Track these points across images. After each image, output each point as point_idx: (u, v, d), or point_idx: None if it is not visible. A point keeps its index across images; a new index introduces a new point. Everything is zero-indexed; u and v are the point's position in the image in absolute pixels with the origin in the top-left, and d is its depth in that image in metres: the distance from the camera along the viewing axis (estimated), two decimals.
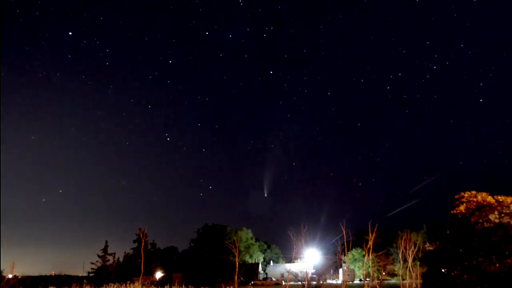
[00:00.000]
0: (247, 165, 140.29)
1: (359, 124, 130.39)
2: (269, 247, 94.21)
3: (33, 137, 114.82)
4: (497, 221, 26.49)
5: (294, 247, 37.31)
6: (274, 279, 66.96)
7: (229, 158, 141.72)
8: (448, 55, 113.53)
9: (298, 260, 76.70)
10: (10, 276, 48.01)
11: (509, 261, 24.79)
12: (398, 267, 56.54)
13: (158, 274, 64.06)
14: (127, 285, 34.73)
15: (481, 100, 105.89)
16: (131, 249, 70.87)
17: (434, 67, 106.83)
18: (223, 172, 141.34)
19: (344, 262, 62.92)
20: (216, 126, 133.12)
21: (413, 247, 37.42)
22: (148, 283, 46.23)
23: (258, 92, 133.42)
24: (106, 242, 68.76)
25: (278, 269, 76.53)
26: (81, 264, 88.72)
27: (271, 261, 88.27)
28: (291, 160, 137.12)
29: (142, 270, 37.17)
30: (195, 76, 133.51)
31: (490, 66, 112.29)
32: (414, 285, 37.46)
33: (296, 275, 55.49)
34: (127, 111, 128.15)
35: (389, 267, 70.49)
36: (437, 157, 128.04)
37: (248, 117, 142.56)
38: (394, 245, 62.19)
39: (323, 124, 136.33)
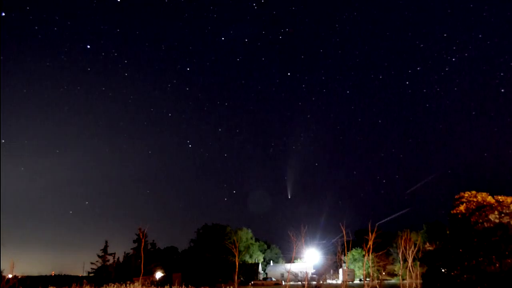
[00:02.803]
0: (268, 168, 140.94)
1: (380, 121, 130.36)
2: (269, 247, 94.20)
3: (57, 151, 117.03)
4: (497, 221, 26.48)
5: (294, 247, 37.26)
6: (274, 279, 66.95)
7: (249, 162, 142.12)
8: (466, 46, 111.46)
9: (298, 260, 76.68)
10: (10, 276, 47.97)
11: (509, 261, 24.79)
12: (398, 267, 56.53)
13: (158, 274, 64.08)
14: (127, 285, 34.75)
15: (502, 90, 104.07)
16: (131, 249, 70.98)
17: (453, 60, 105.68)
18: (243, 176, 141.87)
19: (344, 262, 62.90)
20: (237, 130, 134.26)
21: (413, 247, 37.37)
22: (148, 283, 46.21)
23: (277, 94, 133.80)
24: (106, 242, 68.89)
25: (278, 269, 76.51)
26: (81, 264, 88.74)
27: (271, 261, 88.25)
28: (313, 160, 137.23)
29: (142, 270, 37.12)
30: (213, 82, 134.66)
31: (510, 55, 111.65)
32: (414, 285, 37.44)
33: (296, 275, 55.47)
34: (148, 120, 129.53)
35: (389, 267, 70.46)
36: (457, 151, 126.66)
37: (268, 119, 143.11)
38: (394, 245, 62.18)
39: (343, 123, 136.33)
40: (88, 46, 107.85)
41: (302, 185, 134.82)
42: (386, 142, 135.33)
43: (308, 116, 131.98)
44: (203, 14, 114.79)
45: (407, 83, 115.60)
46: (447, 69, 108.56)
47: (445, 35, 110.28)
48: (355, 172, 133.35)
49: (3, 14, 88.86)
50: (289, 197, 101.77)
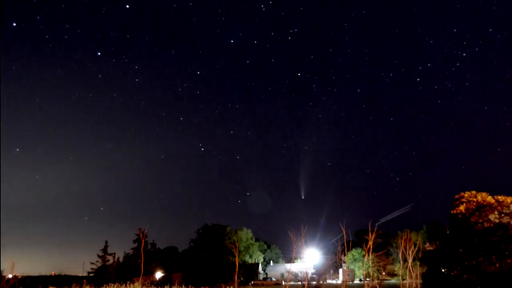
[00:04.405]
0: (281, 169, 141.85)
1: (391, 119, 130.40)
2: (269, 247, 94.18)
3: (71, 158, 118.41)
4: (497, 221, 26.45)
5: (294, 247, 37.26)
6: (274, 279, 66.95)
7: (262, 163, 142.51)
8: (476, 41, 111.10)
9: (298, 260, 76.67)
10: (10, 276, 48.00)
11: (509, 261, 24.78)
12: (398, 267, 56.51)
13: (158, 274, 64.11)
14: (127, 285, 34.71)
15: None
16: (131, 249, 70.99)
17: (464, 55, 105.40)
18: (257, 178, 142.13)
19: (344, 262, 62.90)
20: (249, 133, 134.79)
21: (413, 247, 37.39)
22: (148, 283, 46.22)
23: (288, 95, 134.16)
24: (106, 242, 68.85)
25: (278, 269, 76.50)
26: (81, 264, 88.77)
27: (271, 261, 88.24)
28: (325, 160, 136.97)
29: (142, 270, 37.10)
30: (224, 85, 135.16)
31: None
32: (414, 285, 37.44)
33: (296, 275, 55.46)
34: (160, 124, 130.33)
35: (389, 267, 70.48)
36: (472, 147, 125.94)
37: (280, 120, 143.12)
38: (394, 245, 62.19)
39: (355, 122, 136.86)
40: (99, 53, 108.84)
41: (315, 186, 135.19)
42: (398, 140, 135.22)
43: (320, 116, 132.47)
44: (212, 17, 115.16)
45: (418, 80, 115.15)
46: (457, 64, 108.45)
47: (454, 30, 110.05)
48: (368, 171, 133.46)
49: (14, 24, 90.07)
50: (303, 197, 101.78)
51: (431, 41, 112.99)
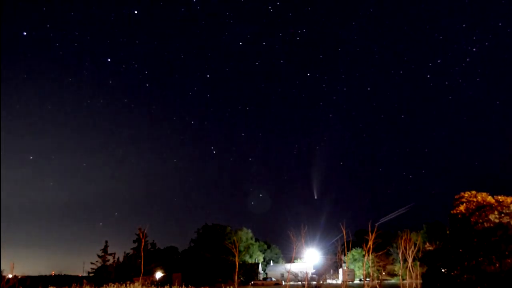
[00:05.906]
0: (293, 169, 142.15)
1: (402, 116, 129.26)
2: (269, 247, 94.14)
3: (84, 164, 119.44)
4: (497, 221, 26.47)
5: (294, 247, 37.26)
6: (274, 279, 66.95)
7: (274, 165, 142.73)
8: (486, 36, 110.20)
9: (298, 260, 76.66)
10: (10, 276, 48.00)
11: (509, 261, 24.79)
12: (398, 267, 56.50)
13: (158, 274, 64.10)
14: (127, 285, 34.71)
15: None
16: (131, 249, 70.84)
17: (474, 50, 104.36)
18: (267, 179, 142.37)
19: (344, 262, 62.91)
20: (260, 134, 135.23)
21: (413, 247, 37.39)
22: (148, 283, 46.18)
23: (298, 95, 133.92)
24: (106, 242, 68.75)
25: (278, 269, 76.50)
26: (81, 264, 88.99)
27: (271, 261, 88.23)
28: (337, 159, 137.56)
29: (142, 270, 37.11)
30: (233, 87, 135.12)
31: None
32: (414, 285, 37.44)
33: (296, 275, 55.45)
34: (170, 128, 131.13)
35: (389, 267, 70.48)
36: (485, 142, 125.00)
37: (291, 121, 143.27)
38: (394, 245, 62.19)
39: (366, 120, 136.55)
40: (109, 59, 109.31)
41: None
42: (410, 137, 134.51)
43: (330, 115, 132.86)
44: (220, 20, 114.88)
45: (428, 76, 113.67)
46: (468, 60, 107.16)
47: (464, 25, 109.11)
48: (380, 169, 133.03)
49: (24, 33, 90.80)
50: (316, 197, 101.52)
51: (440, 37, 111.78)
